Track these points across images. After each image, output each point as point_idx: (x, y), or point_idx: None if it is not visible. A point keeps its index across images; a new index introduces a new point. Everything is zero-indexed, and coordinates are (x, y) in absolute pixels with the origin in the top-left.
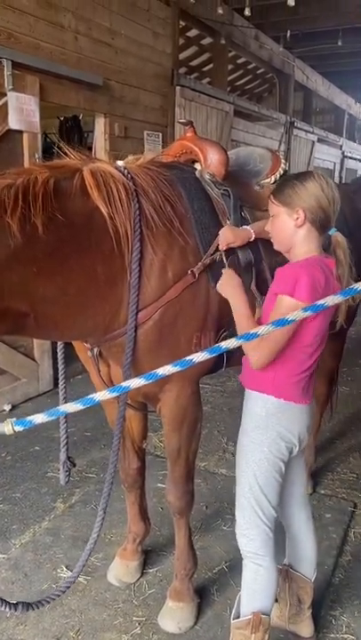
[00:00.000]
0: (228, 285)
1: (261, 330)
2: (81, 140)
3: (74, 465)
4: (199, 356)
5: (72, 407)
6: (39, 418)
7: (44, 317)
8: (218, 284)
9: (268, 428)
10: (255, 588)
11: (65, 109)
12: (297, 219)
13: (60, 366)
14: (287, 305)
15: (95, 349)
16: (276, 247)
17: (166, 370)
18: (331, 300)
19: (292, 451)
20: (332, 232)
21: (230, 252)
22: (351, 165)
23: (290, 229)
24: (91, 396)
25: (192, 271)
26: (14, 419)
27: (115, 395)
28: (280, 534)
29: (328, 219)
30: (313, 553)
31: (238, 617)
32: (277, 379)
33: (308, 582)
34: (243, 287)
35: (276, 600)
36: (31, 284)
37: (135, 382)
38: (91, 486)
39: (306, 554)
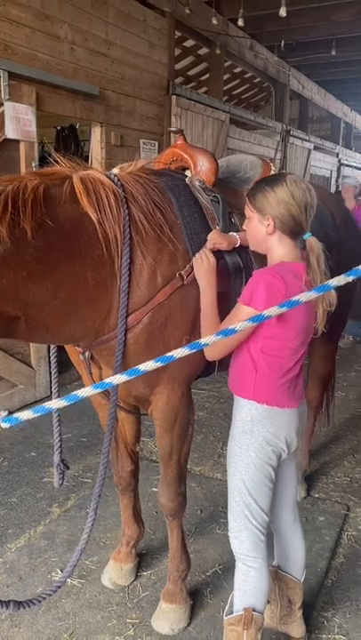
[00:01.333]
0: (201, 269)
1: (211, 339)
2: (77, 149)
3: (67, 468)
4: (179, 352)
5: (57, 403)
6: (26, 415)
7: (35, 321)
8: (194, 265)
9: (254, 432)
10: (246, 588)
11: (61, 119)
12: (268, 226)
13: (53, 370)
14: (247, 313)
15: (87, 353)
16: (252, 248)
17: (148, 365)
18: (273, 312)
19: (281, 455)
20: (307, 236)
21: (219, 256)
22: (348, 173)
23: (262, 235)
24: (75, 392)
25: (180, 274)
26: (1, 416)
27: (98, 391)
28: (269, 536)
29: (299, 225)
30: (301, 554)
31: (231, 614)
32: (259, 384)
33: (298, 583)
34: (215, 273)
35: (268, 601)
36: (21, 288)
37: (118, 378)
38: (86, 491)
39: (294, 555)
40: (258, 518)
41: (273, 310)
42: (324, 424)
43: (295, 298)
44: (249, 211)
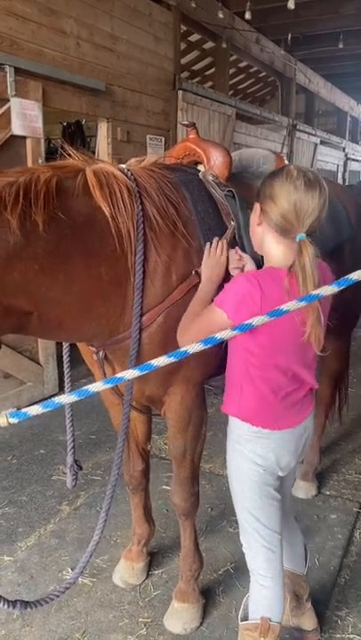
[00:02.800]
0: (207, 262)
1: (192, 348)
2: (84, 145)
3: (80, 468)
4: (194, 348)
5: (67, 398)
6: (34, 410)
7: (47, 317)
8: (204, 260)
9: (244, 452)
10: (260, 602)
11: (68, 115)
12: (256, 212)
13: (66, 365)
14: (218, 315)
15: (100, 353)
16: (255, 250)
17: (160, 361)
18: (259, 320)
19: (278, 475)
20: (300, 238)
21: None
22: (354, 167)
23: (257, 231)
24: (86, 387)
25: (196, 271)
26: (9, 411)
27: (110, 386)
28: None
29: (289, 223)
30: (300, 548)
31: (246, 618)
32: (244, 402)
33: (301, 576)
34: (221, 270)
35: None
36: (33, 282)
37: (130, 373)
38: (96, 489)
39: (293, 549)
40: (266, 536)
41: (259, 319)
42: (336, 422)
43: (282, 307)
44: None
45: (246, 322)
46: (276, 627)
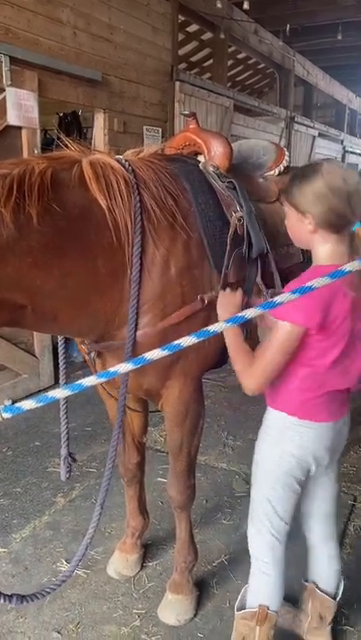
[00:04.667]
0: (223, 306)
1: (185, 341)
2: (80, 136)
3: (74, 460)
4: (187, 340)
5: (61, 393)
6: (28, 404)
7: (42, 310)
8: (219, 300)
9: (280, 444)
10: (260, 590)
11: (64, 105)
12: (308, 224)
13: (61, 359)
14: (287, 330)
15: (92, 354)
16: (296, 245)
17: (154, 354)
18: (251, 313)
19: (310, 469)
20: (357, 226)
21: (236, 244)
22: (353, 160)
23: (304, 233)
24: (80, 381)
25: (201, 297)
26: (3, 405)
27: (103, 380)
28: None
29: (343, 219)
30: (334, 572)
31: (243, 609)
32: (292, 396)
33: (331, 601)
34: (236, 309)
35: (297, 612)
36: (27, 275)
37: (124, 367)
38: (91, 481)
39: (326, 572)
40: (277, 526)
41: (285, 297)
42: None
43: (309, 283)
44: (286, 208)
45: (241, 313)
46: (273, 615)
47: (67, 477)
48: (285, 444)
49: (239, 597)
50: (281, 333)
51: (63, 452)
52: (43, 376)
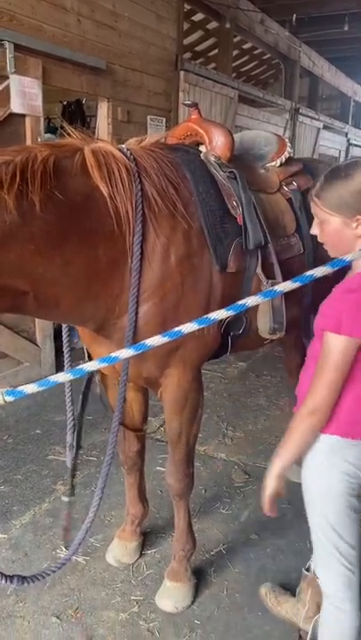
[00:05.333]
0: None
1: (186, 327)
2: (84, 125)
3: (80, 447)
4: (187, 327)
5: (63, 377)
6: (30, 388)
7: (44, 297)
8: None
9: (333, 464)
10: (336, 627)
11: (68, 93)
12: (356, 227)
13: (65, 344)
14: (343, 345)
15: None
16: (332, 255)
17: (155, 340)
18: (252, 301)
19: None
20: None
21: (235, 236)
22: (357, 153)
23: (349, 238)
24: (81, 366)
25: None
26: (5, 389)
27: (105, 365)
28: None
29: None
30: None
31: None
32: (341, 415)
33: None
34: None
35: (294, 595)
36: (29, 262)
37: (125, 353)
38: (91, 469)
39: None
40: (347, 556)
41: (285, 285)
42: None
43: (309, 273)
44: (323, 213)
45: (242, 301)
46: None
47: (72, 464)
48: (338, 464)
49: (310, 632)
50: (336, 349)
51: (69, 438)
52: (44, 364)
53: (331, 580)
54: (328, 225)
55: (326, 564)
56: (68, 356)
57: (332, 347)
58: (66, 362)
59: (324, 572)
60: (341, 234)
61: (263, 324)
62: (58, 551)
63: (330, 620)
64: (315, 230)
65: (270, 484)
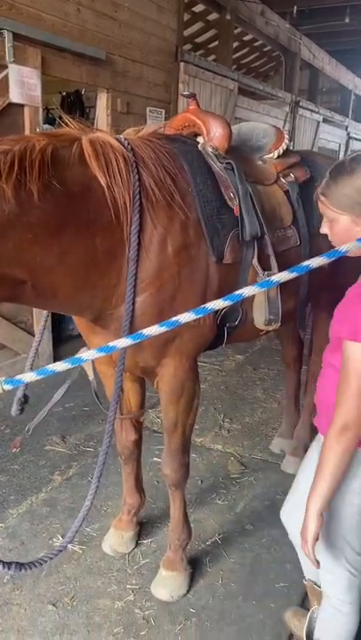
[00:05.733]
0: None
1: (183, 317)
2: (83, 116)
3: (26, 401)
4: (184, 317)
5: (61, 366)
6: (29, 376)
7: (41, 286)
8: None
9: (356, 477)
10: (335, 628)
11: (67, 84)
12: None
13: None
14: (352, 351)
15: None
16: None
17: (152, 330)
18: (249, 291)
19: None
20: None
21: (232, 226)
22: (357, 147)
23: (359, 236)
24: (79, 354)
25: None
26: (3, 378)
27: (103, 354)
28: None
29: None
30: None
31: (310, 636)
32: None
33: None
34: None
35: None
36: (27, 251)
37: (123, 342)
38: (88, 460)
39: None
40: (353, 562)
41: (282, 275)
42: None
43: (306, 263)
44: (331, 213)
45: (239, 291)
46: None
47: (17, 413)
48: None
49: (306, 623)
50: (355, 356)
51: (19, 393)
52: (42, 356)
53: (332, 582)
54: (337, 224)
55: (330, 569)
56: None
57: (351, 354)
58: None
59: (326, 574)
60: (351, 232)
61: (259, 316)
62: (54, 540)
63: (328, 620)
64: (324, 229)
65: (311, 524)
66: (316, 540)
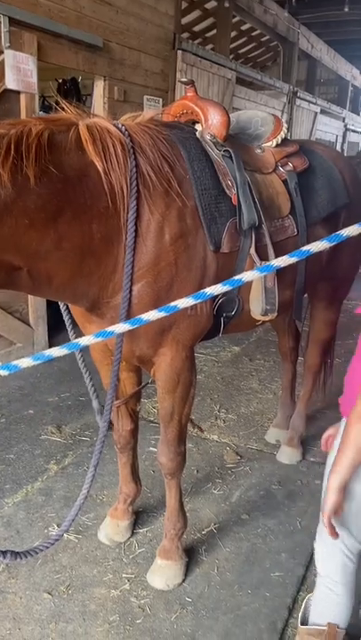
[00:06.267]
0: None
1: (182, 303)
2: (79, 104)
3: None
4: (183, 302)
5: (58, 352)
6: (25, 362)
7: (37, 273)
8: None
9: None
10: (328, 606)
11: (63, 71)
12: None
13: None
14: None
15: None
16: None
17: (151, 315)
18: (248, 276)
19: None
20: None
21: (230, 214)
22: (353, 139)
23: None
24: (76, 340)
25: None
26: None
27: (100, 339)
28: None
29: None
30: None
31: (305, 622)
32: None
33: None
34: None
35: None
36: (23, 236)
37: (121, 327)
38: (84, 449)
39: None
40: (351, 547)
41: (282, 259)
42: (321, 390)
43: (306, 248)
44: None
45: (238, 276)
46: (341, 633)
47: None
48: None
49: (302, 609)
50: None
51: (95, 404)
52: (37, 345)
53: (326, 559)
54: None
55: (328, 552)
56: (70, 323)
57: None
58: (69, 330)
59: (322, 554)
60: None
61: (256, 306)
62: (50, 529)
63: (323, 600)
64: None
65: (331, 498)
66: (335, 514)
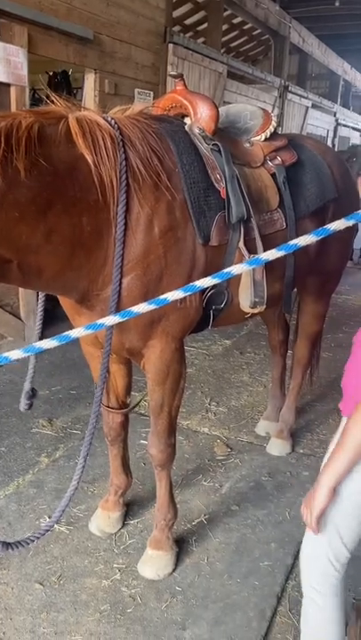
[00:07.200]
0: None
1: (172, 295)
2: (70, 96)
3: (34, 395)
4: (173, 295)
5: (48, 344)
6: (15, 354)
7: (27, 265)
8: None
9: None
10: (311, 623)
11: (54, 64)
12: None
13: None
14: None
15: None
16: None
17: (141, 308)
18: (237, 269)
19: None
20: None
21: (219, 207)
22: (344, 133)
23: None
24: (66, 333)
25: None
26: None
27: (90, 332)
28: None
29: None
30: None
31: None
32: None
33: None
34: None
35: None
36: (14, 229)
37: (111, 319)
38: (75, 442)
39: None
40: (336, 551)
41: (270, 253)
42: (310, 383)
43: (293, 242)
44: None
45: (227, 269)
46: None
47: (26, 409)
48: None
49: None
50: None
51: (26, 386)
52: (28, 339)
53: (309, 568)
54: None
55: (314, 555)
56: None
57: None
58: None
59: (305, 560)
60: None
61: (244, 299)
62: (41, 521)
63: (305, 610)
64: None
65: (320, 498)
66: (322, 514)
